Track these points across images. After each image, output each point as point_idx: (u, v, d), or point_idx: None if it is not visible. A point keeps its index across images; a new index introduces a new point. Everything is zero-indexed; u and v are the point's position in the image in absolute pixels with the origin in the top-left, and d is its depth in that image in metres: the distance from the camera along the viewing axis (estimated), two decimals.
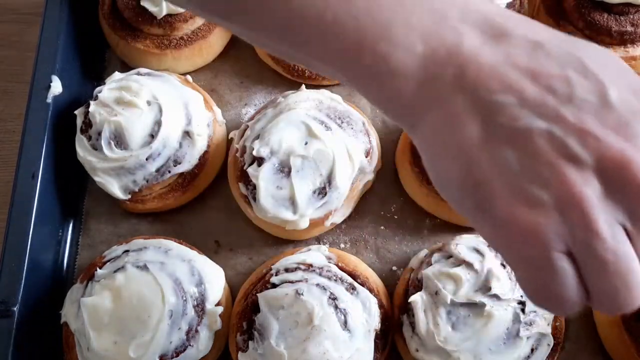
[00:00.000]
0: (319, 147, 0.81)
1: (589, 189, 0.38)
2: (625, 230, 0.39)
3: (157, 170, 0.85)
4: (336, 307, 0.74)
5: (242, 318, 0.77)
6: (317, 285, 0.75)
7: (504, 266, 0.76)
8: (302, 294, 0.73)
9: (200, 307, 0.77)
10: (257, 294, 0.76)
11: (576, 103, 0.39)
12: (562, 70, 0.40)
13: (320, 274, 0.77)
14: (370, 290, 0.78)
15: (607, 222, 0.38)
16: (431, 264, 0.78)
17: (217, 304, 0.79)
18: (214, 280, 0.80)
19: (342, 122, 0.85)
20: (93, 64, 1.01)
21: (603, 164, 0.38)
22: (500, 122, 0.40)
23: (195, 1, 0.48)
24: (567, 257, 0.39)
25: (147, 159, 0.83)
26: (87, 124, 0.85)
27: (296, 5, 0.42)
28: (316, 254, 0.80)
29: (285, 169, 0.81)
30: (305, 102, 0.86)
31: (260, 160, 0.81)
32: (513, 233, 0.40)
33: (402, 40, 0.41)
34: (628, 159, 0.38)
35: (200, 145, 0.87)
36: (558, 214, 0.38)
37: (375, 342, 0.76)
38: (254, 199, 0.82)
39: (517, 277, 0.43)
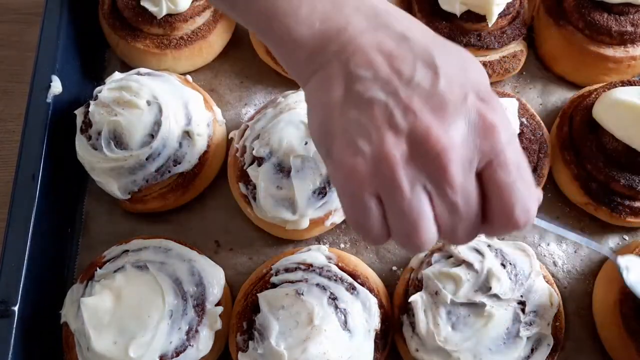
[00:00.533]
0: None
1: (398, 151, 0.49)
2: (426, 189, 0.50)
3: (157, 170, 0.85)
4: (336, 307, 0.74)
5: (242, 318, 0.77)
6: (317, 285, 0.75)
7: (504, 266, 0.76)
8: (302, 294, 0.73)
9: (200, 307, 0.77)
10: (257, 294, 0.76)
11: (412, 86, 0.50)
12: (413, 59, 0.51)
13: (320, 274, 0.77)
14: (370, 290, 0.78)
15: (407, 177, 0.49)
16: (431, 264, 0.78)
17: (217, 304, 0.79)
18: (214, 280, 0.80)
19: None
20: (93, 64, 1.01)
21: (414, 134, 0.49)
22: (356, 90, 0.51)
23: None
24: (376, 200, 0.51)
25: (147, 159, 0.83)
26: (87, 123, 0.85)
27: None
28: (316, 254, 0.80)
29: (285, 169, 0.81)
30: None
31: (260, 160, 0.81)
32: (341, 172, 0.51)
33: (305, 19, 0.53)
34: (431, 132, 0.49)
35: (200, 145, 0.87)
36: (373, 164, 0.50)
37: (375, 342, 0.76)
38: (254, 199, 0.82)
39: (343, 210, 0.54)
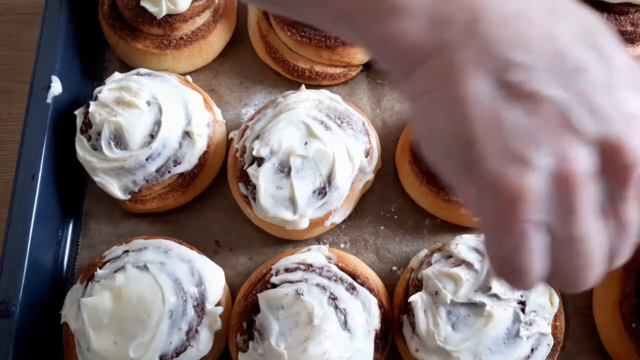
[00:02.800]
0: (319, 147, 0.81)
1: (584, 165, 0.38)
2: (603, 208, 0.39)
3: (157, 171, 0.85)
4: (336, 307, 0.74)
5: (242, 318, 0.77)
6: (317, 285, 0.75)
7: None
8: (302, 294, 0.73)
9: (200, 307, 0.77)
10: (257, 294, 0.76)
11: (588, 79, 0.38)
12: (576, 40, 0.39)
13: (320, 274, 0.77)
14: (370, 290, 0.78)
15: (589, 203, 0.38)
16: (431, 264, 0.78)
17: (217, 304, 0.79)
18: (214, 280, 0.80)
19: (342, 122, 0.85)
20: (93, 64, 1.01)
21: (603, 144, 0.38)
22: (511, 81, 0.38)
23: None
24: (542, 229, 0.39)
25: (147, 159, 0.83)
26: (87, 124, 0.85)
27: None
28: (316, 254, 0.80)
29: (285, 169, 0.81)
30: (305, 102, 0.86)
31: (260, 160, 0.81)
32: (498, 194, 0.38)
33: None
34: (625, 143, 0.38)
35: (200, 145, 0.87)
36: (548, 182, 0.38)
37: (375, 342, 0.76)
38: (254, 199, 0.82)
39: (486, 244, 0.41)
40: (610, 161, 0.38)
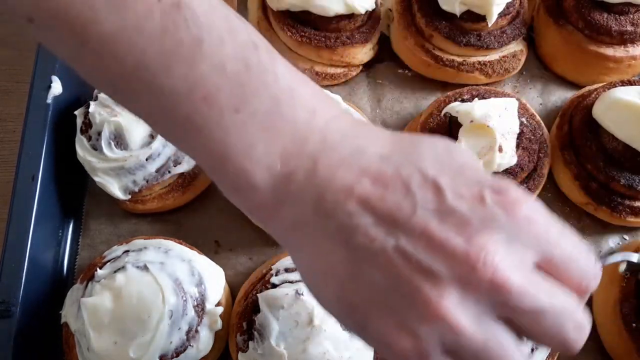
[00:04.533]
0: None
1: (448, 300, 0.39)
2: (498, 317, 0.41)
3: (157, 171, 0.85)
4: None
5: (242, 318, 0.77)
6: None
7: None
8: (302, 294, 0.73)
9: (200, 307, 0.77)
10: (257, 294, 0.76)
11: (419, 214, 0.40)
12: (405, 181, 0.41)
13: None
14: None
15: (470, 318, 0.39)
16: None
17: (217, 304, 0.79)
18: (214, 280, 0.80)
19: None
20: None
21: (454, 271, 0.39)
22: (358, 244, 0.40)
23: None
24: (448, 355, 0.41)
25: (147, 159, 0.83)
26: (87, 124, 0.85)
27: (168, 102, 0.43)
28: None
29: None
30: None
31: None
32: (394, 354, 0.40)
33: (263, 159, 0.43)
34: (475, 260, 0.39)
35: None
36: (427, 329, 0.39)
37: None
38: None
39: None
40: (471, 280, 0.39)
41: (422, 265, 0.39)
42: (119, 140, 0.83)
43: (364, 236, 0.40)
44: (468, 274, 0.39)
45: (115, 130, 0.83)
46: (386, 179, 0.41)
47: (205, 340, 0.77)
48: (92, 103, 0.85)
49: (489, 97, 0.87)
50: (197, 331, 0.76)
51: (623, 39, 0.92)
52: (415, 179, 0.41)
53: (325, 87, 0.95)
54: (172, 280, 0.76)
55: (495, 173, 0.82)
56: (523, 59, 0.98)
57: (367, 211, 0.41)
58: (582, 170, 0.86)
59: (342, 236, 0.41)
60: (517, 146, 0.84)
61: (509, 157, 0.81)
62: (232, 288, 0.85)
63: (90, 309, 0.74)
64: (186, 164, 0.86)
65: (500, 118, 0.81)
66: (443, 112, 0.86)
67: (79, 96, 0.94)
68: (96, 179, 0.85)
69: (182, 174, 0.87)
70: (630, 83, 0.89)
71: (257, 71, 0.43)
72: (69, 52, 0.48)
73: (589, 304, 0.84)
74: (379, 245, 0.40)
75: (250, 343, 0.74)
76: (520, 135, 0.86)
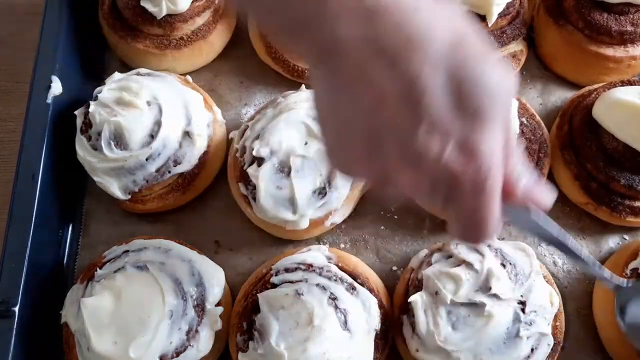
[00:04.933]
0: (319, 147, 0.81)
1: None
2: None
3: (157, 171, 0.85)
4: (336, 307, 0.74)
5: (242, 318, 0.77)
6: (317, 285, 0.75)
7: (503, 266, 0.76)
8: (302, 294, 0.73)
9: (200, 307, 0.77)
10: (257, 294, 0.76)
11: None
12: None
13: (320, 274, 0.77)
14: (370, 290, 0.78)
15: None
16: (431, 264, 0.78)
17: (217, 304, 0.79)
18: (214, 280, 0.80)
19: None
20: (93, 64, 1.01)
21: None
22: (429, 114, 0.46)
23: None
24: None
25: (147, 159, 0.83)
26: (87, 124, 0.85)
27: None
28: (316, 254, 0.80)
29: (285, 169, 0.81)
30: (305, 102, 0.86)
31: (260, 161, 0.81)
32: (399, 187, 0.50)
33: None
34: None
35: (200, 145, 0.87)
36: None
37: (375, 342, 0.76)
38: (254, 199, 0.82)
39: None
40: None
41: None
42: (119, 140, 0.83)
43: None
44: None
45: (115, 130, 0.83)
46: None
47: (205, 340, 0.77)
48: (92, 103, 0.85)
49: None
50: (197, 331, 0.76)
51: (623, 39, 0.92)
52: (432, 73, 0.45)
53: None
54: (172, 280, 0.76)
55: None
56: (523, 59, 0.98)
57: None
58: (582, 170, 0.86)
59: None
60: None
61: None
62: (232, 288, 0.85)
63: (90, 309, 0.74)
64: (186, 164, 0.86)
65: None
66: None
67: (79, 96, 0.93)
68: (96, 179, 0.85)
69: (182, 174, 0.87)
70: (630, 83, 0.89)
71: None
72: None
73: (589, 303, 0.84)
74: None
75: (250, 343, 0.74)
76: (520, 135, 0.86)
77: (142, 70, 0.92)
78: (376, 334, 0.76)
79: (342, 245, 0.88)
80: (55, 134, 0.86)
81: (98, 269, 0.79)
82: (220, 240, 0.89)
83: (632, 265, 0.79)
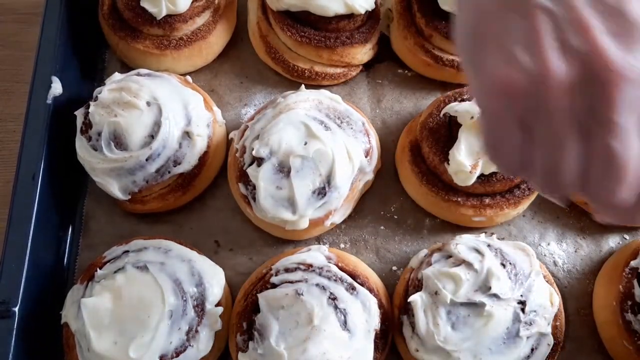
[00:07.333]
0: (319, 147, 0.81)
1: (564, 73, 0.42)
2: (585, 130, 0.43)
3: (157, 171, 0.85)
4: (336, 307, 0.74)
5: (242, 318, 0.77)
6: (317, 285, 0.75)
7: (503, 266, 0.76)
8: (302, 294, 0.73)
9: (200, 307, 0.77)
10: (257, 294, 0.76)
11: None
12: None
13: (320, 274, 0.77)
14: (370, 290, 0.78)
15: (566, 107, 0.42)
16: (431, 264, 0.78)
17: (217, 304, 0.79)
18: (214, 280, 0.80)
19: (341, 122, 0.85)
20: (93, 64, 1.01)
21: (587, 59, 0.41)
22: None
23: None
24: (521, 125, 0.45)
25: (146, 160, 0.83)
26: (87, 124, 0.85)
27: None
28: (316, 254, 0.80)
29: (284, 169, 0.81)
30: (305, 102, 0.86)
31: (259, 161, 0.81)
32: (488, 83, 0.45)
33: None
34: (608, 57, 0.41)
35: (200, 145, 0.87)
36: (530, 81, 0.43)
37: (375, 342, 0.76)
38: (254, 199, 0.82)
39: (481, 129, 0.49)
40: (594, 76, 0.41)
41: (564, 35, 0.42)
42: (119, 140, 0.83)
43: None
44: (596, 67, 0.41)
45: (115, 131, 0.83)
46: None
47: (205, 340, 0.77)
48: (92, 103, 0.85)
49: None
50: (197, 331, 0.76)
51: None
52: None
53: (325, 87, 0.95)
54: (172, 280, 0.76)
55: (495, 173, 0.82)
56: None
57: None
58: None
59: None
60: None
61: None
62: (232, 288, 0.85)
63: (90, 309, 0.74)
64: (186, 164, 0.86)
65: None
66: (442, 112, 0.86)
67: (79, 97, 0.94)
68: (96, 179, 0.85)
69: (182, 174, 0.87)
70: None
71: None
72: None
73: (589, 303, 0.84)
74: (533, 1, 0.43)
75: (250, 343, 0.74)
76: None
77: (142, 70, 0.92)
78: (376, 334, 0.77)
79: (342, 245, 0.88)
80: (55, 134, 0.86)
81: (98, 269, 0.79)
82: (220, 240, 0.89)
83: (632, 264, 0.79)
